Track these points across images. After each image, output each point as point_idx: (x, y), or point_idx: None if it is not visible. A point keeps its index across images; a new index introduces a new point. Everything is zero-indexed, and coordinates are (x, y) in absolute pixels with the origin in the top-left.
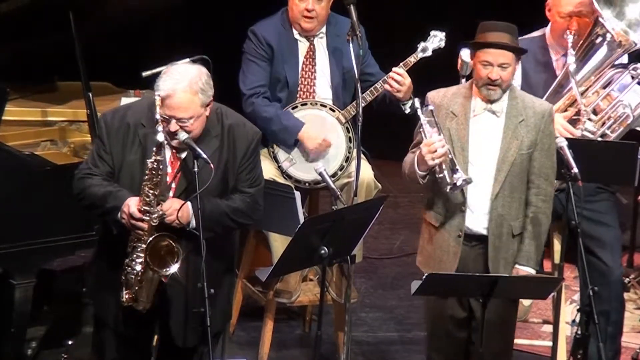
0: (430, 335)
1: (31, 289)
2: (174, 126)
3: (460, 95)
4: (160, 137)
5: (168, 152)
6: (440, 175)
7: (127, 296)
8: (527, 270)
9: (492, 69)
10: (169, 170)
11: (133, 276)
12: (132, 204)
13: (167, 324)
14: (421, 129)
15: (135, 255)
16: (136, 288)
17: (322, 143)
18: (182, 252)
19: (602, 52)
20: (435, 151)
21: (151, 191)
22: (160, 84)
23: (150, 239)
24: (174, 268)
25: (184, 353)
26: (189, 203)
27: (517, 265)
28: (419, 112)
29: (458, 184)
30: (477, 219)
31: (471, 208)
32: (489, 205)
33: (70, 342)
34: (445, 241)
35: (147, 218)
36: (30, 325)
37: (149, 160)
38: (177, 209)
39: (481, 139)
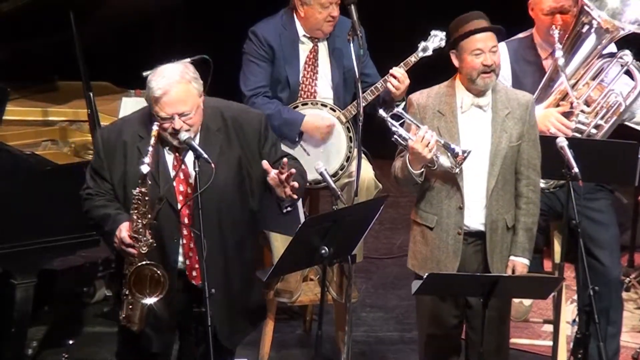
0: (424, 336)
1: (32, 289)
2: (178, 123)
3: (443, 94)
4: (145, 168)
5: (170, 158)
6: (439, 161)
7: (124, 316)
8: (522, 261)
9: (485, 55)
10: (173, 173)
11: (124, 298)
12: (123, 229)
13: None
14: (399, 135)
15: (125, 280)
16: (129, 311)
17: (326, 130)
18: (168, 282)
19: (591, 40)
20: (429, 142)
21: (139, 220)
22: (152, 85)
23: (132, 268)
24: (153, 299)
25: None
26: None
27: (512, 257)
28: (388, 121)
29: (465, 156)
30: (474, 215)
31: (468, 205)
32: (485, 201)
33: (70, 342)
34: (443, 241)
35: (137, 245)
36: (30, 325)
37: (133, 191)
38: None
39: (471, 135)
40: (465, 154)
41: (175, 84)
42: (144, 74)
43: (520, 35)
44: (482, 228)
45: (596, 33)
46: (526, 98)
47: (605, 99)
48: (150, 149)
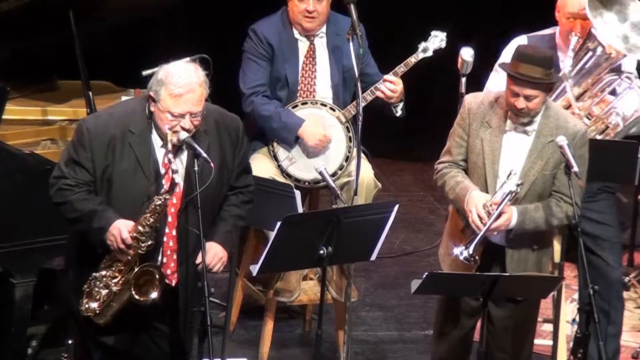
0: (437, 332)
1: (31, 288)
2: (188, 123)
3: (499, 106)
4: (178, 177)
5: (161, 154)
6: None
7: (88, 305)
8: (514, 213)
9: (519, 98)
10: (163, 171)
11: (104, 292)
12: (123, 229)
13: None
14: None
15: (110, 272)
16: (105, 305)
17: (322, 139)
18: (162, 282)
19: (595, 60)
20: (479, 220)
21: (148, 223)
22: (172, 82)
23: (137, 268)
24: (153, 295)
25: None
26: (216, 249)
27: (512, 206)
28: (510, 180)
29: (461, 255)
30: None
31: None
32: None
33: (70, 342)
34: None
35: (136, 245)
36: (30, 324)
37: (157, 197)
38: (219, 261)
39: (510, 155)
40: (471, 258)
41: (196, 85)
42: (144, 73)
43: (544, 32)
44: (502, 243)
45: (596, 59)
46: (576, 128)
47: (606, 115)
48: (171, 156)
